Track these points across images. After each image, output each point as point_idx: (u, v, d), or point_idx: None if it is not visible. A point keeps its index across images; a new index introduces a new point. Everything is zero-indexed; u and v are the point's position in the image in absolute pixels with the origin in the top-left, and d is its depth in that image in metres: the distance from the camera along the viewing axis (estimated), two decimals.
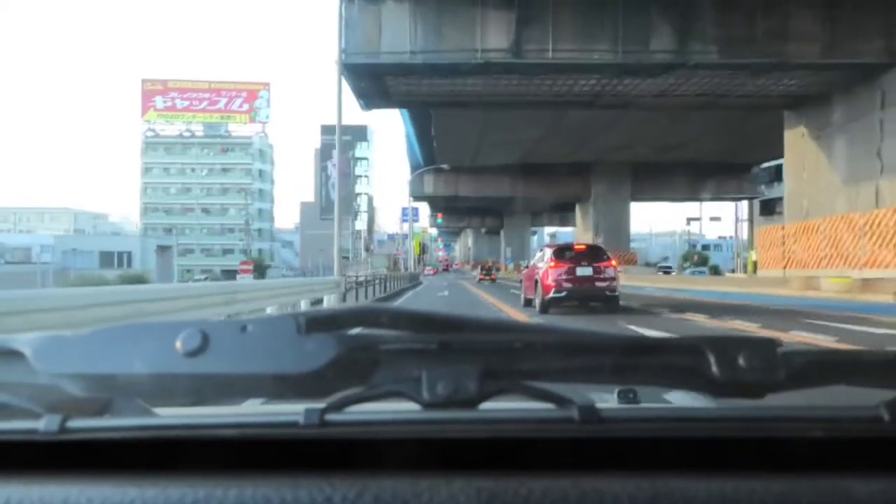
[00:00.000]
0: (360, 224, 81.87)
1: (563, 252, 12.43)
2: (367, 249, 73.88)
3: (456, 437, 0.55)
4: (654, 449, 0.55)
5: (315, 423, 0.53)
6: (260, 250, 70.53)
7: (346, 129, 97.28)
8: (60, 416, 0.55)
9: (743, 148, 31.28)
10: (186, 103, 70.78)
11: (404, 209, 68.97)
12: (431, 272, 72.36)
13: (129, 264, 45.09)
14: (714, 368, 0.56)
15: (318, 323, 0.57)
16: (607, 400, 0.89)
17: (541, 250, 14.00)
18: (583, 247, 13.35)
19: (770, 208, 45.82)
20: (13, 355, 0.58)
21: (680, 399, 0.73)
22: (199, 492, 0.50)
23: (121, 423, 0.59)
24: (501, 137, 30.36)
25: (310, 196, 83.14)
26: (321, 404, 0.54)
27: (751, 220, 46.07)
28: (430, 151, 34.95)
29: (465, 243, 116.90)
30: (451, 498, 0.49)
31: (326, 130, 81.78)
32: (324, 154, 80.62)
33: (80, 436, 0.55)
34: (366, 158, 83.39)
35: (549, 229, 79.48)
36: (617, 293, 11.90)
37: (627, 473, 0.51)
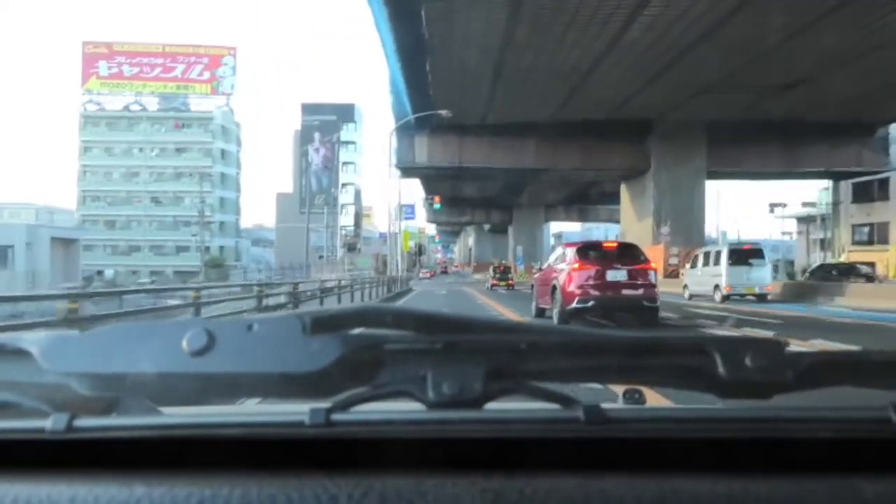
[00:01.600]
0: (347, 219, 75.09)
1: (589, 251, 10.49)
2: (353, 248, 68.91)
3: (461, 436, 0.57)
4: (660, 450, 0.56)
5: (320, 423, 0.55)
6: (222, 248, 57.02)
7: (331, 108, 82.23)
8: (68, 414, 0.57)
9: (878, 99, 23.27)
10: (136, 70, 64.16)
11: (401, 206, 61.86)
12: (428, 275, 68.96)
13: (3, 263, 32.04)
14: (720, 369, 0.58)
15: (324, 323, 0.60)
16: (613, 400, 0.91)
17: (558, 249, 12.10)
18: (613, 245, 11.33)
19: (869, 191, 31.75)
20: (21, 354, 0.61)
21: (686, 400, 0.79)
22: (206, 490, 0.51)
23: (127, 422, 0.61)
24: (528, 78, 22.17)
25: (288, 187, 69.91)
26: (327, 404, 0.57)
27: (835, 206, 38.73)
28: (423, 102, 26.05)
29: (465, 243, 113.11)
30: (456, 498, 0.50)
31: (308, 109, 76.10)
32: (304, 137, 74.53)
33: (88, 434, 0.57)
34: (353, 143, 77.41)
35: (554, 227, 66.53)
36: (657, 303, 9.94)
37: (633, 474, 0.53)
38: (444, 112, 23.49)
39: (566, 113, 26.06)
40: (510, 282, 30.06)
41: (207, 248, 60.39)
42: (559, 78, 21.71)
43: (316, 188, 72.38)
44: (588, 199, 58.50)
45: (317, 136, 72.07)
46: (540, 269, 12.39)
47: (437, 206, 41.35)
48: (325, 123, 72.34)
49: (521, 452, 0.56)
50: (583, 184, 47.02)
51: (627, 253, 10.43)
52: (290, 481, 0.52)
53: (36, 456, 0.58)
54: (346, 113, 74.22)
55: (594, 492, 0.51)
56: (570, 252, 10.32)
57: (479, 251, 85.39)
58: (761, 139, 28.52)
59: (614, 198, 64.00)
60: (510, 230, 62.10)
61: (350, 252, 64.74)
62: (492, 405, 0.58)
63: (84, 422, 0.57)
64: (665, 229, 26.89)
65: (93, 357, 0.61)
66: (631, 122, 26.85)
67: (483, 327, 0.64)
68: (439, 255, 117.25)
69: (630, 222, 31.26)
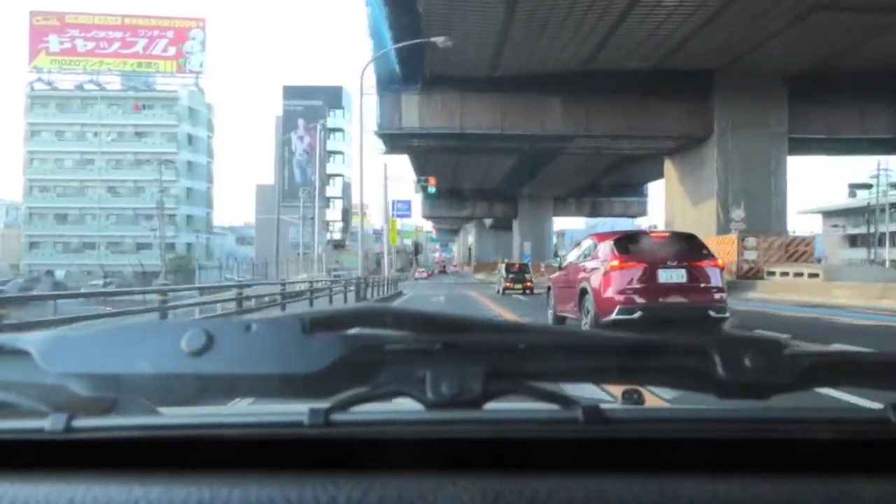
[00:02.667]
0: (334, 214, 70.57)
1: (632, 243, 8.05)
2: (340, 245, 64.46)
3: (460, 437, 0.58)
4: (660, 450, 0.58)
5: (320, 423, 0.57)
6: (189, 245, 49.46)
7: (316, 92, 73.96)
8: (66, 415, 0.58)
9: None
10: (91, 45, 58.65)
11: (395, 202, 57.95)
12: (425, 275, 65.42)
13: None
14: (720, 370, 0.59)
15: (323, 323, 0.61)
16: (612, 401, 0.95)
17: (585, 241, 9.20)
18: (665, 235, 9.03)
19: None
20: (20, 355, 0.62)
21: (684, 400, 0.81)
22: (205, 491, 0.53)
23: (126, 423, 0.62)
24: (552, 11, 16.17)
25: (269, 179, 63.64)
26: (326, 404, 0.58)
27: None
28: (414, 50, 19.91)
29: (465, 242, 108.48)
30: (455, 498, 0.52)
31: (291, 93, 70.58)
32: (287, 124, 69.12)
33: (86, 435, 0.59)
34: (341, 130, 72.75)
35: (556, 223, 68.61)
36: (726, 314, 7.82)
37: (633, 475, 0.54)
38: (440, 41, 16.22)
39: (601, 61, 19.75)
40: (528, 284, 22.85)
41: (172, 245, 53.05)
42: (594, 12, 14.42)
43: (300, 180, 65.61)
44: (600, 190, 54.73)
45: (301, 122, 65.04)
46: (560, 268, 9.55)
47: (431, 189, 34.00)
48: (310, 109, 65.62)
49: (521, 453, 0.58)
50: (598, 171, 43.20)
51: (684, 246, 7.98)
52: (290, 482, 0.53)
53: (34, 456, 0.59)
54: (333, 97, 67.86)
55: (594, 492, 0.52)
56: (606, 246, 7.82)
57: (480, 249, 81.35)
58: (856, 94, 21.19)
59: (629, 189, 57.71)
60: (515, 225, 58.83)
61: (337, 249, 61.05)
62: (491, 405, 0.60)
63: (82, 422, 0.58)
64: (738, 213, 19.62)
65: (91, 357, 0.62)
66: (686, 73, 21.64)
67: (482, 328, 0.66)
68: (437, 254, 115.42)
69: (679, 207, 24.23)
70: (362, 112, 20.19)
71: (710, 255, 7.92)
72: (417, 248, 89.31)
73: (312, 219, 48.69)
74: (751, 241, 20.58)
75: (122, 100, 58.76)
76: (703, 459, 0.56)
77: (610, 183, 48.73)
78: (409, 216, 63.03)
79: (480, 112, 22.99)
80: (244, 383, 0.61)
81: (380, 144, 26.26)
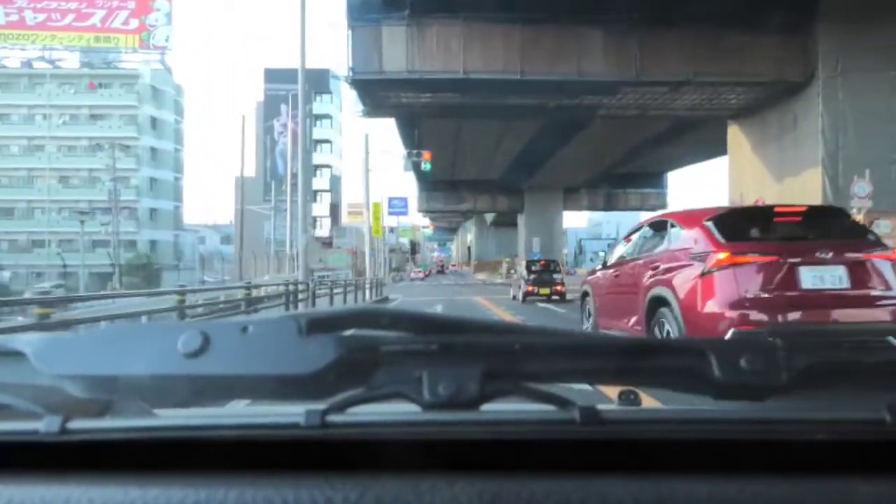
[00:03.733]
0: (321, 209, 64.01)
1: (744, 223, 5.10)
2: (326, 243, 56.17)
3: (457, 438, 0.60)
4: (656, 451, 0.60)
5: (316, 425, 0.58)
6: (153, 242, 42.94)
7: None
8: (61, 416, 0.60)
9: None
10: (42, 17, 52.99)
11: (391, 199, 55.00)
12: (421, 275, 61.79)
13: None
14: (715, 370, 0.61)
15: (319, 324, 0.63)
16: (608, 402, 0.98)
17: (645, 228, 6.36)
18: (799, 211, 5.20)
19: None
20: (15, 356, 0.64)
21: (681, 401, 0.85)
22: (201, 493, 0.54)
23: (121, 425, 0.65)
24: None
25: (251, 171, 57.96)
26: (322, 405, 0.60)
27: None
28: None
29: (463, 240, 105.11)
30: (452, 499, 0.53)
31: (273, 76, 65.16)
32: (269, 110, 63.31)
33: (81, 437, 0.60)
34: (329, 116, 67.90)
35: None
36: None
37: (629, 475, 0.56)
38: None
39: None
40: (558, 287, 16.59)
41: (133, 244, 46.68)
42: None
43: (284, 171, 58.61)
44: (615, 180, 50.83)
45: (284, 108, 58.30)
46: (604, 267, 6.85)
47: (426, 166, 27.64)
48: (295, 93, 58.61)
49: (518, 454, 0.60)
50: (615, 157, 38.74)
51: (834, 227, 4.97)
52: (286, 483, 0.55)
53: (29, 458, 0.61)
54: (319, 81, 61.46)
55: (591, 493, 0.54)
56: (700, 228, 4.90)
57: (481, 248, 77.77)
58: None
59: (647, 179, 51.82)
60: (520, 220, 54.99)
61: (325, 248, 53.46)
62: (488, 407, 0.61)
63: (78, 424, 0.60)
64: (863, 187, 13.25)
65: (86, 359, 0.64)
66: None
67: (479, 329, 0.67)
68: (436, 254, 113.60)
69: (754, 184, 18.32)
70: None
71: (880, 244, 4.76)
72: (414, 247, 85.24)
73: (286, 211, 42.49)
74: (884, 223, 14.11)
75: (75, 78, 53.95)
76: (699, 460, 0.58)
77: (626, 172, 45.37)
78: (405, 213, 61.83)
79: (491, 49, 16.91)
80: (240, 385, 0.63)
81: (359, 107, 19.79)
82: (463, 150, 38.97)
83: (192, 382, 0.62)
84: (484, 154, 39.72)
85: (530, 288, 19.00)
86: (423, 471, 0.56)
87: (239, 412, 0.75)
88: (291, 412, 0.59)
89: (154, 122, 55.03)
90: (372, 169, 29.68)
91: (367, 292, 21.97)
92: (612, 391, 1.03)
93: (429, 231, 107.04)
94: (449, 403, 0.59)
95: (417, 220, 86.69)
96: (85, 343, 0.66)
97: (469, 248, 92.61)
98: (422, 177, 43.96)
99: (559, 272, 19.79)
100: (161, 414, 0.70)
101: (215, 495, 0.53)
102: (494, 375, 0.60)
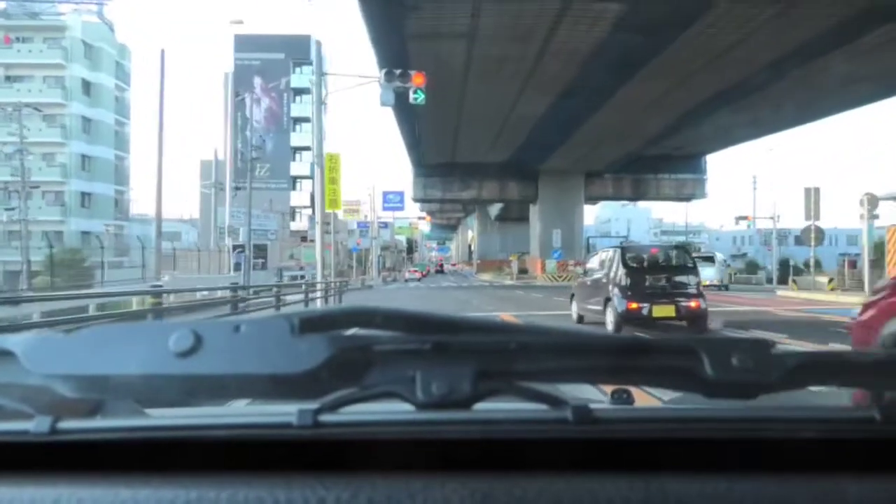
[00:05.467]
0: (301, 197, 55.77)
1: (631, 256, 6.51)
2: (306, 237, 47.57)
3: (450, 437, 0.61)
4: (648, 450, 0.62)
5: (309, 424, 0.59)
6: (86, 234, 41.08)
7: (277, 42, 55.74)
8: (51, 417, 0.61)
9: None
10: None
11: (385, 193, 50.39)
12: (417, 276, 56.65)
13: None
14: (707, 369, 0.62)
15: (312, 323, 0.64)
16: (601, 401, 1.01)
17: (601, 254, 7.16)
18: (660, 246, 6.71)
19: None
20: (4, 356, 0.64)
21: (673, 400, 0.86)
22: (192, 493, 0.55)
23: (112, 425, 0.66)
24: None
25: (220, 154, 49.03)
26: (315, 405, 0.61)
27: None
28: None
29: (464, 238, 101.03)
30: (445, 499, 0.54)
31: (244, 44, 53.47)
32: (240, 82, 51.21)
33: (72, 437, 0.61)
34: (309, 90, 46.35)
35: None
36: None
37: (621, 474, 0.57)
38: None
39: None
40: (693, 304, 6.78)
41: (59, 234, 37.75)
42: None
43: (257, 154, 49.09)
44: (646, 164, 42.95)
45: (257, 81, 48.90)
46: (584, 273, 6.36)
47: (418, 96, 18.19)
48: (270, 64, 49.83)
49: (510, 453, 0.61)
50: (652, 131, 31.99)
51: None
52: (278, 483, 0.55)
53: (19, 459, 0.61)
54: (298, 49, 51.81)
55: (583, 492, 0.55)
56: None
57: (484, 246, 71.93)
58: None
59: (684, 163, 43.81)
60: (534, 211, 46.83)
61: (301, 242, 47.42)
62: (481, 406, 0.62)
63: (68, 424, 0.60)
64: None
65: (77, 358, 0.64)
66: None
67: (473, 328, 0.68)
68: (434, 253, 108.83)
69: None
70: None
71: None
72: (411, 246, 77.03)
73: (237, 192, 33.55)
74: None
75: None
76: (690, 459, 0.59)
77: (659, 153, 38.66)
78: (401, 208, 56.03)
79: None
80: (232, 384, 0.62)
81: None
82: (468, 120, 30.65)
83: (184, 382, 0.62)
84: (493, 126, 32.49)
85: (633, 305, 9.90)
86: (416, 470, 0.56)
87: (231, 412, 0.75)
88: (284, 412, 0.60)
89: (87, 86, 44.58)
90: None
91: (310, 303, 15.45)
92: (605, 390, 1.03)
93: (427, 231, 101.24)
94: (442, 403, 0.59)
95: (416, 219, 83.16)
96: (75, 342, 0.65)
97: (470, 247, 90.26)
98: (410, 123, 30.96)
99: (696, 272, 10.54)
100: (152, 414, 0.69)
101: (206, 495, 0.53)
102: (488, 374, 0.61)
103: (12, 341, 0.64)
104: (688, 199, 50.83)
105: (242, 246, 26.99)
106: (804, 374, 0.64)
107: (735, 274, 48.25)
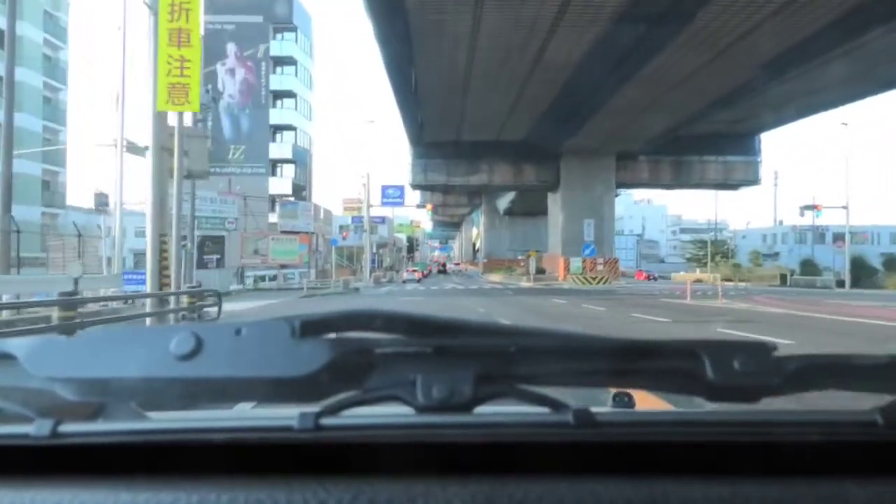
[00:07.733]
0: (282, 185, 49.41)
1: None
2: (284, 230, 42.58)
3: (451, 440, 0.61)
4: (650, 453, 0.62)
5: (310, 427, 0.59)
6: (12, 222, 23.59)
7: (254, 3, 45.97)
8: (52, 420, 0.61)
9: None
10: None
11: (384, 188, 45.69)
12: (416, 276, 51.16)
13: None
14: (710, 372, 0.63)
15: (313, 326, 0.64)
16: (602, 404, 1.02)
17: None
18: None
19: None
20: (6, 359, 0.65)
21: (675, 403, 0.88)
22: (193, 496, 0.55)
23: (113, 428, 0.66)
24: None
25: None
26: (316, 408, 0.62)
27: None
28: None
29: (468, 236, 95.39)
30: (446, 502, 0.54)
31: (214, 3, 42.64)
32: (212, 49, 42.44)
33: (72, 440, 0.61)
34: (293, 61, 51.29)
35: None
36: None
37: (623, 477, 0.57)
38: None
39: None
40: None
41: None
42: None
43: (231, 134, 42.27)
44: (688, 144, 37.07)
45: (231, 48, 41.37)
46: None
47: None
48: (245, 28, 42.46)
49: (512, 456, 0.61)
50: (697, 106, 27.71)
51: None
52: (279, 487, 0.56)
53: (20, 462, 0.61)
54: (278, 11, 43.93)
55: (585, 495, 0.55)
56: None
57: (492, 243, 66.07)
58: None
59: (733, 143, 37.43)
60: (553, 200, 40.46)
61: (269, 232, 41.53)
62: (482, 409, 0.63)
63: (69, 427, 0.61)
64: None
65: (78, 361, 0.65)
66: None
67: (474, 331, 0.68)
68: (436, 252, 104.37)
69: None
70: None
71: None
72: (412, 244, 70.58)
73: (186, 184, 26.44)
74: None
75: None
76: (693, 462, 0.59)
77: (704, 132, 33.40)
78: (401, 204, 50.06)
79: None
80: (233, 387, 0.63)
81: None
82: (481, 74, 24.17)
83: (185, 385, 0.62)
84: (512, 84, 26.91)
85: None
86: (417, 473, 0.57)
87: (232, 415, 0.76)
88: (285, 415, 0.60)
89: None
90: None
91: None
92: (607, 393, 1.04)
93: (429, 229, 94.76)
94: (443, 406, 0.60)
95: (416, 220, 78.93)
96: (77, 346, 0.66)
97: (474, 245, 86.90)
98: (406, 76, 25.49)
99: None
100: (153, 417, 0.70)
101: (207, 498, 0.53)
102: (489, 378, 0.61)
103: (14, 344, 0.64)
104: (736, 186, 43.92)
105: (185, 237, 19.90)
106: (806, 378, 0.64)
107: (792, 275, 41.08)
